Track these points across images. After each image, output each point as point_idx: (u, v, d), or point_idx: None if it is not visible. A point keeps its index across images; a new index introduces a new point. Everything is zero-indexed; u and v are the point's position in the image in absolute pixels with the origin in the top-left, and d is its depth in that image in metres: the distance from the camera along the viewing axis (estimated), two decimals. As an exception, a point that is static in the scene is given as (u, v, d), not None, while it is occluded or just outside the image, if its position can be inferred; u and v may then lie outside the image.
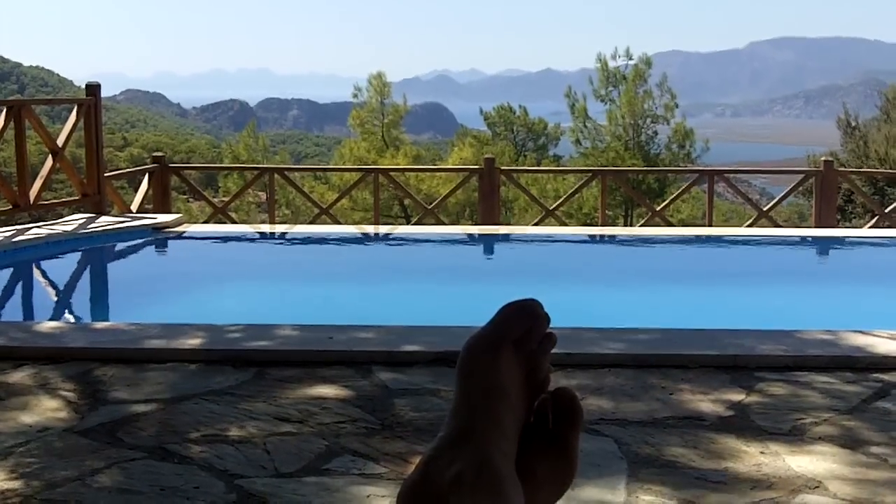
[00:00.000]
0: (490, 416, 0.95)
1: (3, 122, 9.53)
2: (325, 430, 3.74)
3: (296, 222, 25.36)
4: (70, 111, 10.68)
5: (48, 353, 4.63)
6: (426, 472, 0.94)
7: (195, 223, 12.25)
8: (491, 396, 0.96)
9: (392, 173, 14.59)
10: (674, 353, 4.58)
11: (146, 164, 12.49)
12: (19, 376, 4.37)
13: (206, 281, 8.77)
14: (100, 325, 5.16)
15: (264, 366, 4.54)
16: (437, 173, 24.46)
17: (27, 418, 3.85)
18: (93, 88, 10.57)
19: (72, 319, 7.57)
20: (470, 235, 11.36)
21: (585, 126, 28.26)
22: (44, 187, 10.08)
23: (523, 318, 0.98)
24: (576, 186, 13.72)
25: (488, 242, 10.72)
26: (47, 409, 3.96)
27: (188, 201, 31.01)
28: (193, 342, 4.81)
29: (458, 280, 8.90)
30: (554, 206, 12.85)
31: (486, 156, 12.57)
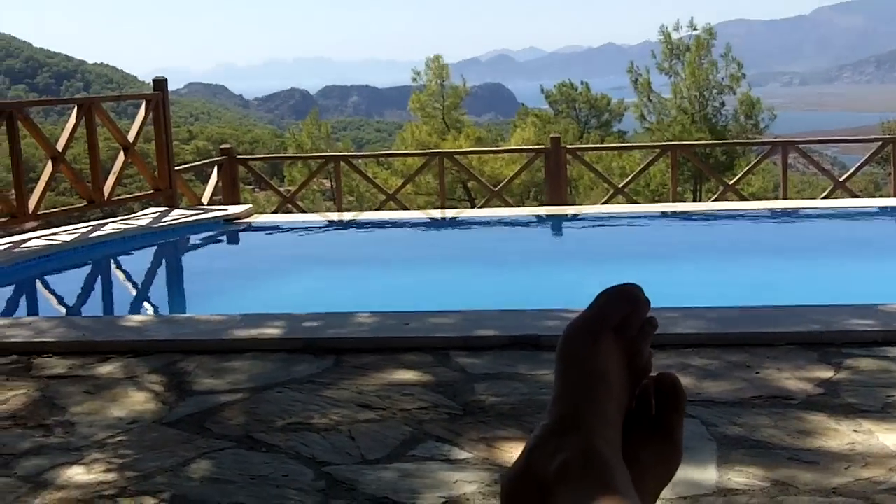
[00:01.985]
0: (593, 404, 0.94)
1: (74, 120, 9.70)
2: (408, 417, 3.75)
3: (361, 209, 25.55)
4: (137, 107, 10.84)
5: (133, 347, 4.71)
6: (530, 461, 0.93)
7: (264, 213, 12.34)
8: (593, 383, 0.94)
9: (456, 156, 14.54)
10: (758, 332, 4.51)
11: (213, 157, 12.64)
12: (107, 370, 4.45)
13: (279, 270, 8.86)
14: (181, 317, 5.23)
15: (343, 353, 4.56)
16: (501, 154, 24.39)
17: (117, 411, 3.91)
18: (160, 83, 10.70)
19: (152, 312, 7.70)
20: (538, 216, 11.31)
21: (650, 100, 27.96)
22: (116, 183, 10.25)
23: (623, 303, 0.97)
24: (644, 163, 13.59)
25: (556, 223, 10.67)
26: (136, 402, 4.02)
27: (254, 191, 31.29)
28: (273, 332, 4.87)
29: (528, 262, 8.88)
30: (623, 183, 12.74)
31: (552, 135, 12.50)
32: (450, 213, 12.23)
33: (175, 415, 3.88)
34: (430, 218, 11.53)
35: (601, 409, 0.93)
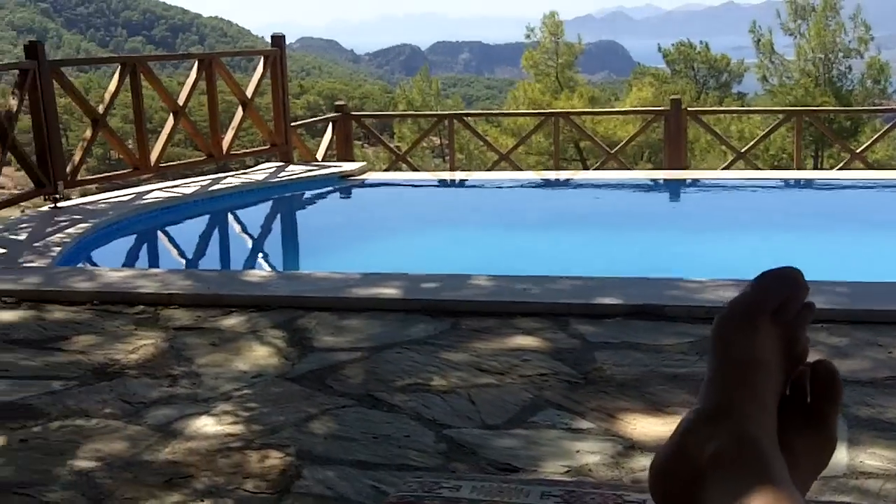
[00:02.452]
0: (749, 390, 0.92)
1: (195, 75, 9.88)
2: (528, 383, 3.73)
3: (470, 167, 25.55)
4: (250, 61, 10.97)
5: (255, 301, 4.80)
6: (682, 445, 0.92)
7: (376, 170, 12.42)
8: (749, 369, 0.93)
9: (571, 116, 14.39)
10: (891, 309, 4.36)
11: (323, 112, 12.78)
12: (230, 323, 4.55)
13: (393, 229, 8.93)
14: (301, 273, 5.30)
15: (460, 316, 4.57)
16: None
17: (241, 364, 3.99)
18: (278, 40, 10.80)
19: (267, 267, 7.84)
20: (655, 181, 11.14)
21: (772, 62, 27.23)
22: (234, 138, 10.43)
23: (783, 287, 0.96)
24: (767, 128, 13.23)
25: (675, 188, 10.49)
26: (259, 356, 4.10)
27: (363, 147, 31.57)
28: (391, 291, 4.89)
29: (646, 228, 8.76)
30: (745, 148, 12.44)
31: (672, 96, 12.26)
32: (564, 175, 12.13)
33: (297, 370, 3.93)
34: (543, 179, 11.46)
35: (757, 396, 0.92)
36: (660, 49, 32.82)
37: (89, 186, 12.64)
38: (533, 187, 10.78)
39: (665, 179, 10.67)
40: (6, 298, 5.06)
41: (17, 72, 8.46)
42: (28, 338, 4.41)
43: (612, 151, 12.48)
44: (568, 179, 11.44)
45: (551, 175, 11.86)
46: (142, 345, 4.25)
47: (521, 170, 12.96)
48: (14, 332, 4.49)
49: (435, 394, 3.63)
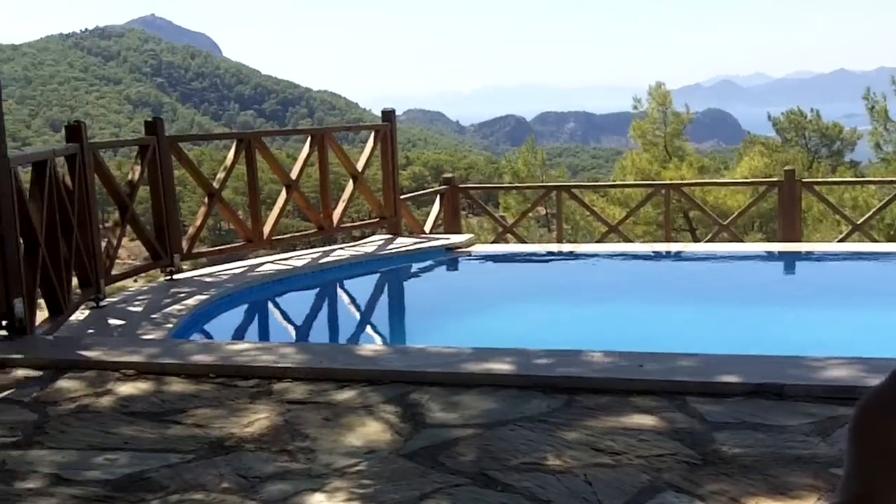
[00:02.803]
0: (890, 482, 0.89)
1: (308, 149, 10.10)
2: (645, 464, 3.65)
3: (576, 237, 25.43)
4: (357, 133, 11.16)
5: (367, 375, 4.81)
6: None
7: (484, 243, 12.45)
8: (891, 463, 0.89)
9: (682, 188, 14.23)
10: None
11: (429, 182, 12.95)
12: (343, 397, 4.56)
13: (503, 302, 8.90)
14: (413, 347, 5.31)
15: (575, 393, 4.50)
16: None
17: (354, 439, 3.99)
18: (388, 115, 10.98)
19: (379, 339, 7.89)
20: (769, 252, 10.90)
21: (886, 129, 26.58)
22: (345, 210, 10.60)
23: None
24: (885, 199, 12.85)
25: (790, 260, 10.25)
26: (372, 431, 4.09)
27: (467, 217, 31.74)
28: (504, 367, 4.86)
29: (761, 302, 8.55)
30: (862, 219, 12.11)
31: (786, 167, 12.04)
32: (675, 247, 11.97)
33: (410, 447, 3.92)
34: (654, 251, 11.33)
35: None
36: (769, 117, 32.39)
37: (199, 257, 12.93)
38: (644, 259, 10.67)
39: (780, 252, 10.45)
40: (126, 371, 5.17)
41: (137, 147, 8.75)
42: (147, 410, 4.49)
43: (725, 223, 12.29)
44: (679, 251, 11.28)
45: (662, 247, 11.71)
46: (257, 419, 4.28)
47: (630, 241, 12.85)
48: (133, 405, 4.58)
49: (550, 473, 3.57)
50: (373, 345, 6.18)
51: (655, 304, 8.61)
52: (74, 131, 7.45)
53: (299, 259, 9.61)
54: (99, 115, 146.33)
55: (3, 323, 5.80)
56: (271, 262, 9.55)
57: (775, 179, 12.66)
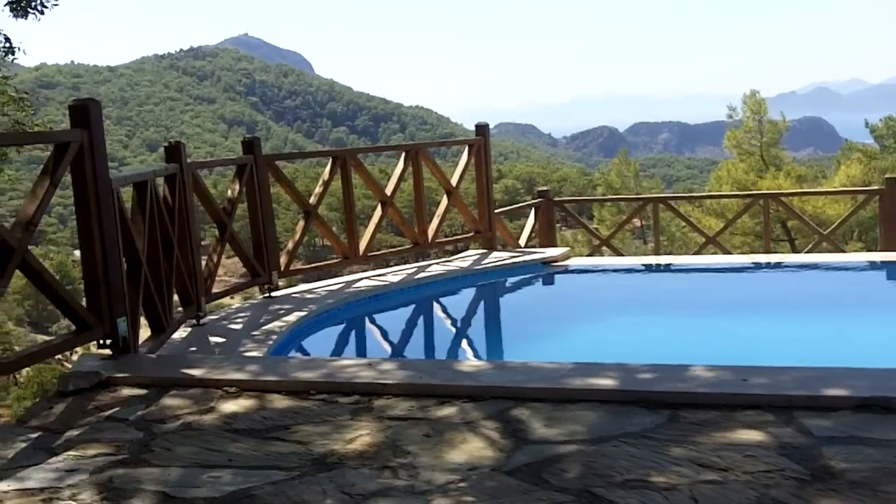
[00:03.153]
0: None
1: (402, 166, 10.15)
2: (752, 480, 3.55)
3: (672, 249, 25.10)
4: (449, 147, 11.18)
5: (468, 391, 4.79)
6: None
7: (580, 256, 12.34)
8: None
9: (781, 198, 13.94)
10: None
11: (521, 195, 12.93)
12: (444, 413, 4.55)
13: (601, 316, 8.81)
14: (514, 363, 5.27)
15: (678, 408, 4.42)
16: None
17: (456, 456, 3.97)
18: (482, 129, 10.99)
19: (472, 354, 7.86)
20: (872, 262, 10.60)
21: None
22: (439, 226, 10.61)
23: None
24: None
25: (893, 270, 9.94)
26: (474, 448, 4.07)
27: (560, 230, 31.58)
28: (606, 382, 4.79)
29: (866, 313, 8.32)
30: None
31: (887, 175, 11.72)
32: (775, 258, 11.72)
33: (512, 463, 3.88)
34: (754, 263, 11.10)
35: None
36: (867, 124, 31.62)
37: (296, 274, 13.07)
38: (744, 271, 10.45)
39: (882, 261, 10.15)
40: (228, 388, 5.24)
41: (235, 166, 8.89)
42: (251, 427, 4.54)
43: (826, 232, 12.00)
44: (780, 262, 11.03)
45: (762, 258, 11.47)
46: (358, 435, 4.29)
47: (728, 252, 12.62)
48: (237, 422, 4.63)
49: (656, 491, 3.50)
50: (472, 360, 6.16)
51: (758, 317, 8.43)
52: (174, 151, 7.62)
53: (395, 275, 9.65)
54: (194, 135, 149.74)
55: (108, 342, 5.92)
56: (367, 278, 9.61)
57: (876, 188, 12.32)
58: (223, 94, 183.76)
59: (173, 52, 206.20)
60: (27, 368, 24.91)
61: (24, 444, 4.49)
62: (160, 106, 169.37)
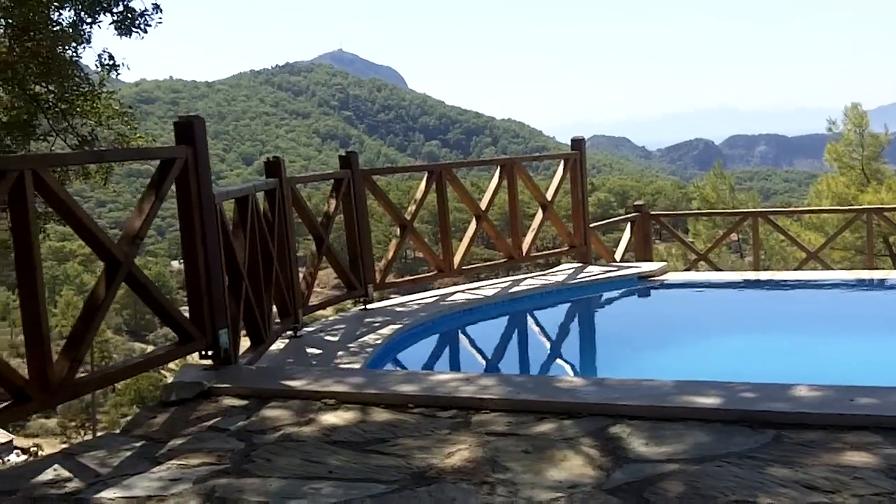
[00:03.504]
0: None
1: (497, 179, 10.15)
2: (862, 503, 3.45)
3: (770, 264, 24.61)
4: (542, 163, 11.14)
5: (566, 408, 4.75)
6: None
7: (677, 270, 12.18)
8: None
9: (885, 213, 13.57)
10: None
11: (615, 209, 12.87)
12: (542, 430, 4.52)
13: (700, 332, 8.68)
14: (612, 380, 5.22)
15: (783, 428, 4.32)
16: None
17: (556, 473, 3.94)
18: (577, 143, 10.94)
19: (568, 370, 7.81)
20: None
21: None
22: (534, 240, 10.58)
23: None
24: None
25: None
26: (573, 465, 4.03)
27: (654, 243, 31.20)
28: (707, 400, 4.71)
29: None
30: None
31: None
32: (879, 275, 11.40)
33: (613, 481, 3.83)
34: (857, 279, 10.80)
35: None
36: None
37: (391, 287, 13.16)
38: (847, 287, 10.19)
39: None
40: (327, 400, 5.28)
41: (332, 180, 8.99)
42: (350, 440, 4.57)
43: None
44: (884, 279, 10.71)
45: (866, 275, 11.16)
46: (457, 450, 4.29)
47: (829, 268, 12.33)
48: (336, 435, 4.67)
49: (761, 513, 3.43)
50: (570, 377, 6.12)
51: (863, 335, 8.21)
52: (273, 166, 7.73)
53: (489, 288, 9.64)
54: (289, 148, 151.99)
55: (209, 353, 6.03)
56: (461, 291, 9.62)
57: None
58: (317, 109, 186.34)
59: (269, 68, 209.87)
60: (128, 377, 25.43)
61: (129, 453, 4.59)
62: (256, 120, 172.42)
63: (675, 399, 4.76)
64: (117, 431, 5.24)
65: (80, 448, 4.79)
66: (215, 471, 4.22)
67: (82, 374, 5.20)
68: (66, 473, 4.35)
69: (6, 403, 4.69)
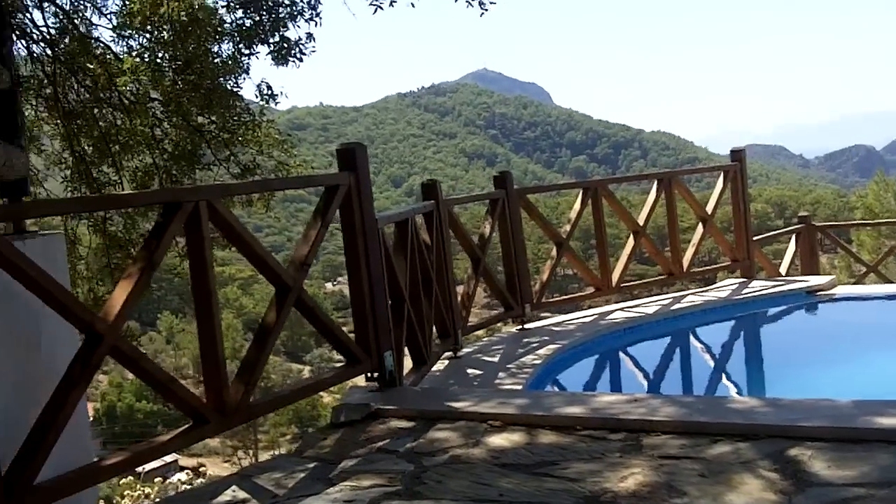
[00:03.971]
0: None
1: (654, 194, 9.99)
2: None
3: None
4: (703, 176, 10.90)
5: (741, 430, 4.60)
6: None
7: (847, 284, 11.73)
8: None
9: None
10: None
11: (772, 220, 12.55)
12: (717, 452, 4.39)
13: (876, 349, 8.29)
14: (786, 400, 5.03)
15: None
16: None
17: (735, 497, 3.82)
18: (737, 154, 10.70)
19: (734, 390, 7.60)
20: None
21: None
22: (695, 255, 10.36)
23: None
24: None
25: None
26: (752, 489, 3.90)
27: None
28: (892, 421, 4.49)
29: None
30: None
31: None
32: None
33: (797, 507, 3.69)
34: None
35: None
36: None
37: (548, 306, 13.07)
38: None
39: None
40: (493, 422, 5.27)
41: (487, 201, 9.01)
42: (519, 462, 4.54)
43: None
44: None
45: None
46: (631, 473, 4.20)
47: None
48: (505, 457, 4.64)
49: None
50: (742, 398, 5.93)
51: None
52: (430, 189, 7.79)
53: (648, 306, 9.47)
54: (436, 170, 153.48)
55: (375, 375, 6.10)
56: (620, 309, 9.48)
57: None
58: (463, 129, 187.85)
59: (415, 90, 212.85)
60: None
61: (302, 474, 4.67)
62: (403, 143, 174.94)
63: (856, 420, 4.56)
64: (289, 452, 5.35)
65: (255, 469, 4.91)
66: (388, 492, 4.25)
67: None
68: (243, 494, 4.45)
69: (186, 426, 4.84)
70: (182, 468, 41.11)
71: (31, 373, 4.13)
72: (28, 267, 3.91)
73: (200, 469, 41.98)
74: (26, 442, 3.89)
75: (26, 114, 10.98)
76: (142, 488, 24.64)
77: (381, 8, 10.30)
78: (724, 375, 8.26)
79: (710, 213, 10.30)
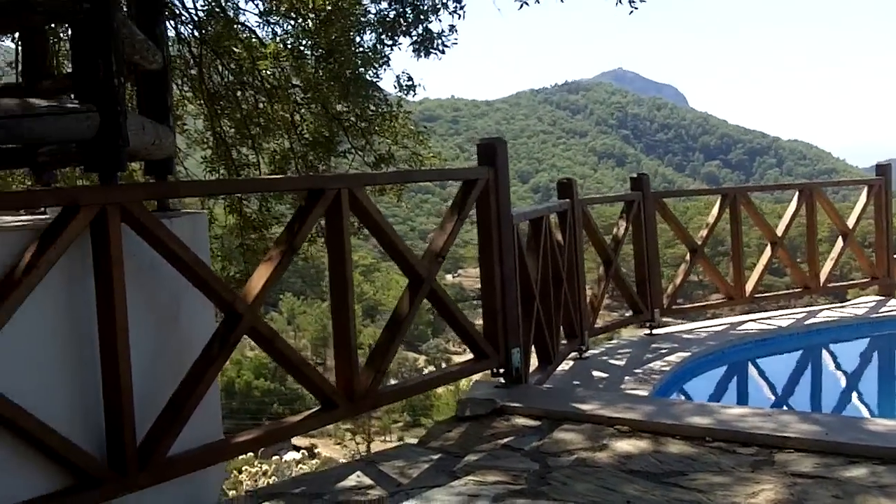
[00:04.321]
0: None
1: (795, 205, 9.75)
2: None
3: None
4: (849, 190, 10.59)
5: (880, 453, 4.45)
6: None
7: None
8: None
9: None
10: None
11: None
12: (853, 474, 4.26)
13: None
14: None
15: None
16: None
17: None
18: (883, 168, 10.40)
19: (865, 411, 7.36)
20: None
21: None
22: (833, 269, 10.09)
23: None
24: None
25: None
26: (889, 517, 3.78)
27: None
28: None
29: None
30: None
31: None
32: None
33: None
34: None
35: None
36: None
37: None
38: None
39: None
40: (620, 427, 5.22)
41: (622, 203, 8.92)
42: (646, 469, 4.48)
43: None
44: None
45: None
46: (761, 489, 4.11)
47: None
48: (632, 463, 4.60)
49: None
50: (883, 419, 5.73)
51: None
52: (566, 187, 7.76)
53: (782, 319, 9.23)
54: (564, 167, 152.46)
55: (502, 371, 6.10)
56: (752, 320, 9.28)
57: None
58: (595, 128, 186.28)
59: (548, 87, 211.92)
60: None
61: (426, 465, 4.72)
62: (533, 139, 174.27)
63: None
64: (414, 442, 5.41)
65: (380, 457, 4.97)
66: (512, 490, 4.26)
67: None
68: (367, 481, 4.52)
69: (315, 409, 4.93)
70: (296, 448, 41.72)
71: (170, 344, 4.25)
72: (177, 246, 4.03)
73: (315, 450, 42.59)
74: (162, 414, 4.01)
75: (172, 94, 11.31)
76: (259, 464, 25.22)
77: (527, 4, 10.27)
78: (855, 395, 8.00)
79: (850, 227, 10.00)
